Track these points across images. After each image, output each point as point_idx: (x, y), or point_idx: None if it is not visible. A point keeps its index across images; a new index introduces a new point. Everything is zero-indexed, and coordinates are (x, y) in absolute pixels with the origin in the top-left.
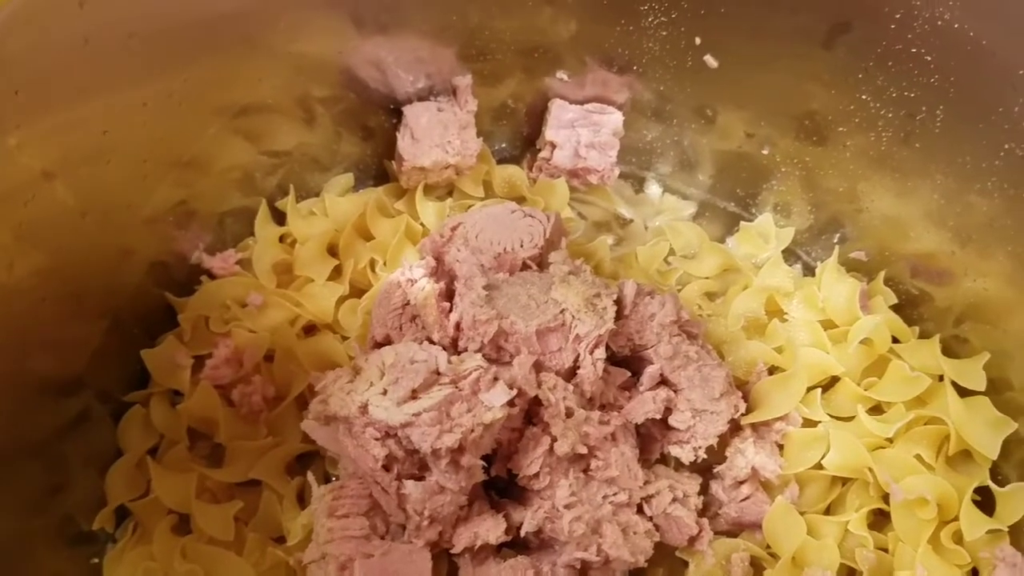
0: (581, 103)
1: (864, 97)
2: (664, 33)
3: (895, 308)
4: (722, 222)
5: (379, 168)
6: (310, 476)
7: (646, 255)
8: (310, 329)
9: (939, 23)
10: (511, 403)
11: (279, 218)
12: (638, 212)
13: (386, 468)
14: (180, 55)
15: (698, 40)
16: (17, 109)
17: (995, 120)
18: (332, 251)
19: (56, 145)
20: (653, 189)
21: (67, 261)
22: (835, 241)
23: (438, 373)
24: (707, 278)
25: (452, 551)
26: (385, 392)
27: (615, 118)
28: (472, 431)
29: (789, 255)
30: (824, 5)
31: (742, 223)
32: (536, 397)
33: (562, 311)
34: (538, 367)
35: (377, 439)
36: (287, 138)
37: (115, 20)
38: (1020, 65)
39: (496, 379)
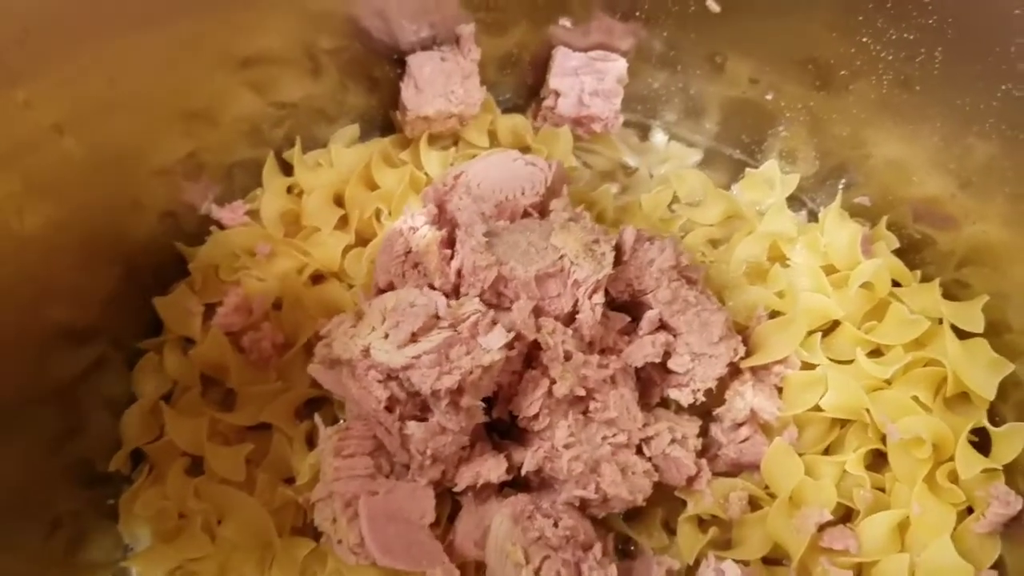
0: (585, 51)
1: (865, 40)
2: None
3: (897, 253)
4: (727, 169)
5: (385, 119)
6: (317, 418)
7: (650, 202)
8: (317, 278)
9: None
10: (510, 346)
11: (286, 169)
12: (643, 160)
13: (388, 409)
14: (183, 3)
15: None
16: (26, 58)
17: (992, 61)
18: (338, 201)
19: (64, 98)
20: (658, 137)
21: (78, 211)
22: (839, 187)
23: (437, 317)
24: (711, 225)
25: (455, 490)
26: (387, 336)
27: (619, 65)
28: (471, 373)
29: (793, 202)
30: None
31: (747, 170)
32: (535, 341)
33: (561, 257)
34: (537, 312)
35: (379, 381)
36: (293, 89)
37: None
38: (1016, 5)
39: (494, 323)
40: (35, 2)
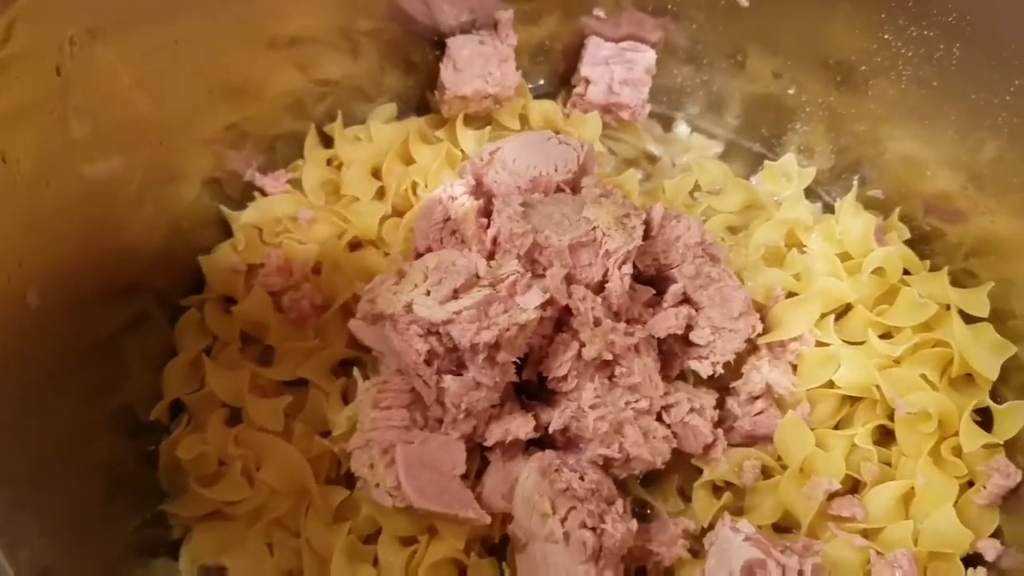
0: (616, 41)
1: (886, 37)
2: None
3: (909, 243)
4: (747, 162)
5: (421, 100)
6: (356, 372)
7: (672, 188)
8: (355, 245)
9: None
10: (543, 308)
11: (327, 142)
12: (667, 150)
13: (427, 363)
14: None
15: None
16: (112, 23)
17: (1006, 57)
18: (376, 174)
19: (139, 62)
20: (682, 128)
21: (134, 164)
22: (855, 181)
23: (478, 276)
24: (731, 212)
25: (485, 444)
26: (428, 292)
27: (648, 56)
28: (507, 330)
29: (810, 194)
30: None
31: (766, 162)
32: (566, 307)
33: (593, 228)
34: (569, 279)
35: (420, 335)
36: (334, 68)
37: None
38: None
39: (531, 285)
40: None
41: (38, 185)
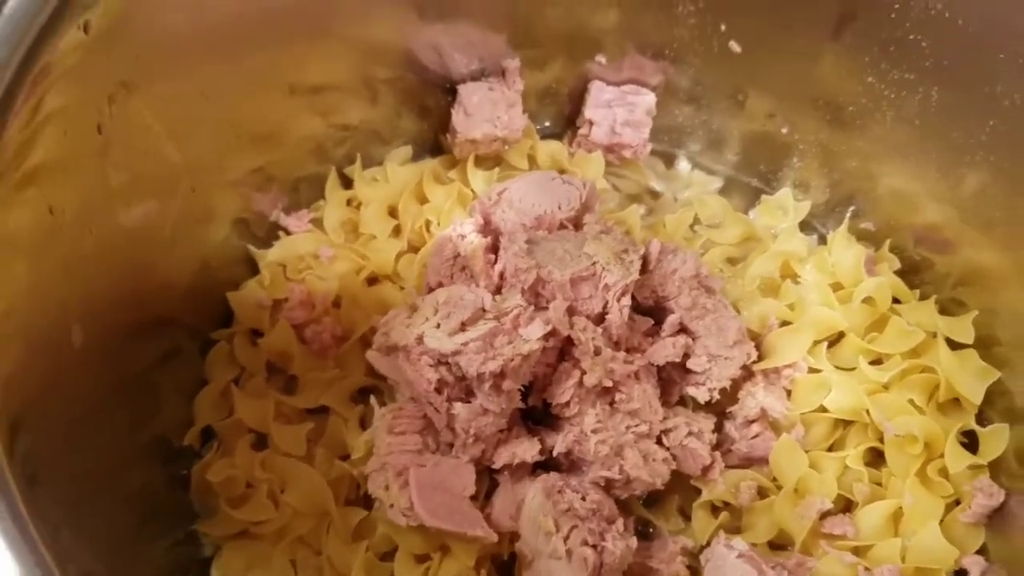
0: (618, 85)
1: (870, 80)
2: (693, 21)
3: (899, 273)
4: (745, 196)
5: (434, 142)
6: (373, 400)
7: (673, 222)
8: (372, 280)
9: (932, 12)
10: (546, 338)
11: (347, 183)
12: (668, 186)
13: (438, 391)
14: (260, 38)
15: (723, 27)
16: (141, 73)
17: (980, 99)
18: (392, 213)
19: (168, 108)
20: (683, 165)
21: (168, 211)
22: (847, 214)
23: (484, 310)
24: (730, 245)
25: (493, 467)
26: (438, 325)
27: (649, 99)
28: (512, 360)
29: (805, 227)
30: None
31: (763, 197)
32: (569, 337)
33: (593, 263)
34: (571, 311)
35: (431, 365)
36: (353, 114)
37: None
38: (1000, 50)
39: (533, 317)
40: (149, 31)
41: (81, 232)
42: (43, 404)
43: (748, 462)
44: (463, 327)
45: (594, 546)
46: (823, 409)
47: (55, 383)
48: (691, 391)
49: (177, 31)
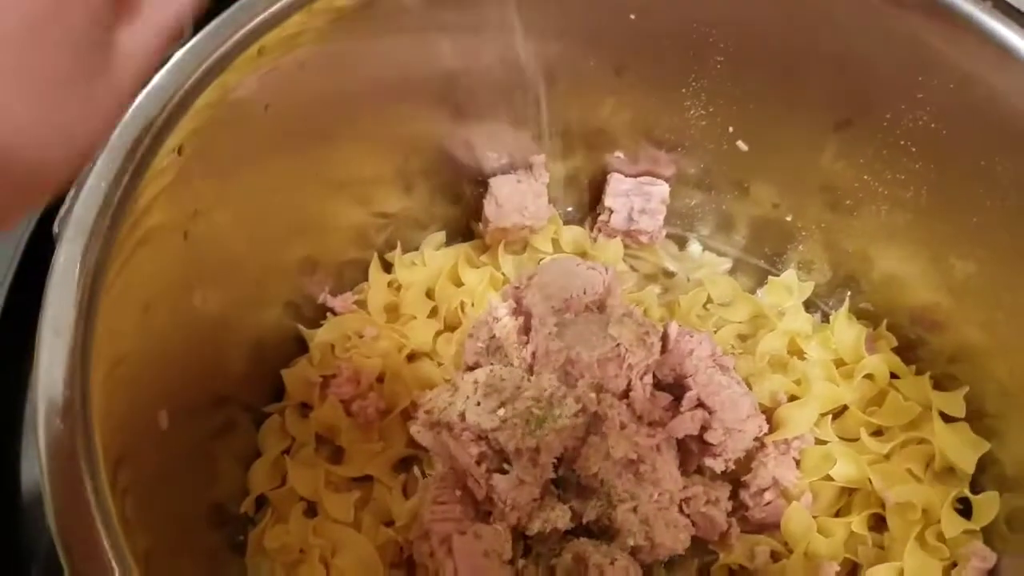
0: (634, 176)
1: (866, 177)
2: (703, 123)
3: (896, 350)
4: (753, 276)
5: (467, 228)
6: (416, 471)
7: (687, 302)
8: (412, 356)
9: (919, 123)
10: (576, 415)
11: (388, 267)
12: (681, 267)
13: (478, 463)
14: (304, 139)
15: (731, 129)
16: (199, 172)
17: (963, 200)
18: (430, 295)
19: (228, 211)
20: (694, 247)
21: (232, 296)
22: (848, 295)
23: (519, 388)
24: (740, 322)
25: (527, 534)
26: (479, 404)
27: (663, 189)
28: (547, 435)
29: (809, 305)
30: (831, 105)
31: (770, 277)
32: (596, 413)
33: (618, 344)
34: (598, 389)
35: (472, 440)
36: (392, 203)
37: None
38: (981, 158)
39: (565, 395)
40: (190, 132)
41: (166, 327)
42: (134, 458)
43: (761, 528)
44: (502, 405)
45: None
46: (829, 478)
47: (138, 450)
48: (708, 462)
49: (257, 136)
